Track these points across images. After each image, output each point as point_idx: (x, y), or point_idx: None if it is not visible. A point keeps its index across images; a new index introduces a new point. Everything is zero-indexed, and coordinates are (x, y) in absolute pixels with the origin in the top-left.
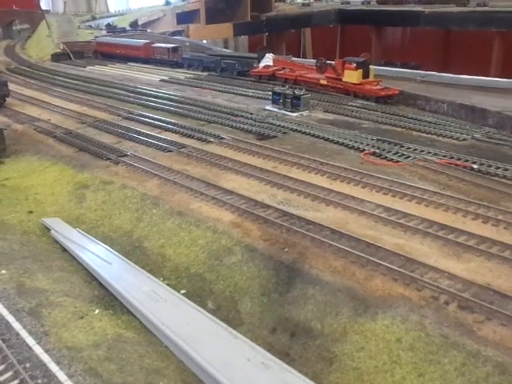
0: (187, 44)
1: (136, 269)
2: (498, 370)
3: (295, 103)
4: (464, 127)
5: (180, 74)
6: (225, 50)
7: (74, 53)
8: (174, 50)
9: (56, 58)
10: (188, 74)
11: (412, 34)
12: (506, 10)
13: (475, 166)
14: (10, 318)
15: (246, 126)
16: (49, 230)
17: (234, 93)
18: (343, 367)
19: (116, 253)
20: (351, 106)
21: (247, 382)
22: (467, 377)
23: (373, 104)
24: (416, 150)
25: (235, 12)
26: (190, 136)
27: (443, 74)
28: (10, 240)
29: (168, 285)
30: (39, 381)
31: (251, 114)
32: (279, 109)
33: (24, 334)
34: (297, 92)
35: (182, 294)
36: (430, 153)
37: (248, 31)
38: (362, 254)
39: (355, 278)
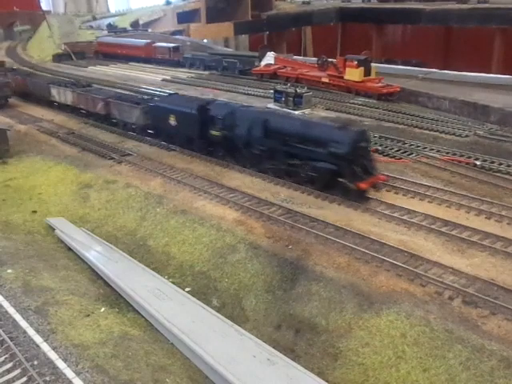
0: (188, 43)
1: (141, 267)
2: (503, 364)
3: (297, 101)
4: (466, 124)
5: (182, 74)
6: (226, 48)
7: (75, 53)
8: (176, 49)
9: (57, 58)
10: (190, 73)
11: (413, 32)
12: (506, 6)
13: (478, 163)
14: (17, 317)
15: None
16: (53, 229)
17: (236, 91)
18: (348, 363)
19: (121, 251)
20: (353, 103)
21: (253, 378)
22: (472, 371)
23: (374, 101)
24: (418, 146)
25: (236, 11)
26: None
27: (445, 72)
28: (15, 239)
29: (173, 283)
30: (47, 378)
31: None
32: (281, 107)
33: (31, 331)
34: (299, 90)
35: (187, 292)
36: (432, 149)
37: (248, 30)
38: (366, 251)
39: (359, 274)
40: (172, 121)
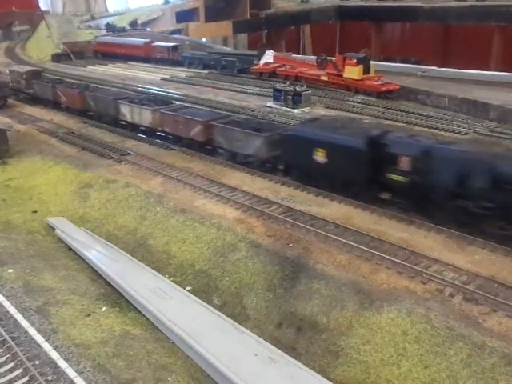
0: (187, 42)
1: (141, 266)
2: (504, 360)
3: (296, 100)
4: (466, 121)
5: (181, 73)
6: (225, 47)
7: (74, 53)
8: (174, 48)
9: (56, 58)
10: (189, 72)
11: (412, 30)
12: (504, 4)
13: None
14: (19, 316)
15: None
16: (53, 229)
17: (235, 90)
18: (349, 360)
19: (121, 251)
20: (352, 101)
21: (254, 377)
22: (473, 368)
23: (374, 99)
24: None
25: (234, 10)
26: None
27: (444, 69)
28: (15, 239)
29: (173, 282)
30: (49, 377)
31: (253, 111)
32: (281, 105)
33: (32, 331)
34: (298, 88)
35: (188, 291)
36: None
37: (247, 29)
38: (367, 249)
39: (360, 272)
40: (319, 156)
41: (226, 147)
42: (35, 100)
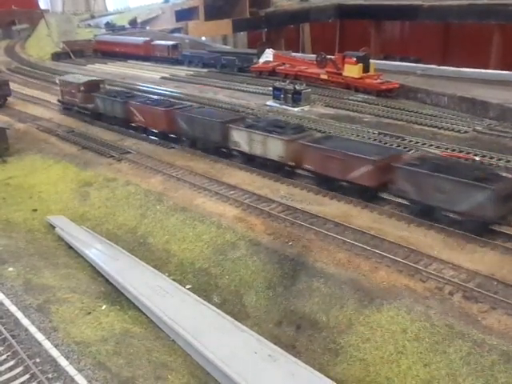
0: (187, 41)
1: (141, 265)
2: (504, 358)
3: (296, 98)
4: (465, 120)
5: (180, 71)
6: (224, 46)
7: (74, 51)
8: (174, 47)
9: (56, 57)
10: (188, 71)
11: (411, 28)
12: (504, 2)
13: (477, 158)
14: (19, 315)
15: None
16: (54, 227)
17: (234, 89)
18: (349, 358)
19: (121, 249)
20: (352, 100)
21: (254, 375)
22: (473, 366)
23: (373, 98)
24: (418, 143)
25: (234, 8)
26: None
27: (443, 68)
28: (15, 238)
29: (173, 280)
30: (50, 375)
31: (252, 109)
32: (280, 104)
33: (33, 329)
34: (297, 87)
35: (188, 289)
36: (431, 145)
37: (247, 27)
38: (367, 247)
39: (360, 270)
40: None
41: (415, 198)
42: (96, 117)
